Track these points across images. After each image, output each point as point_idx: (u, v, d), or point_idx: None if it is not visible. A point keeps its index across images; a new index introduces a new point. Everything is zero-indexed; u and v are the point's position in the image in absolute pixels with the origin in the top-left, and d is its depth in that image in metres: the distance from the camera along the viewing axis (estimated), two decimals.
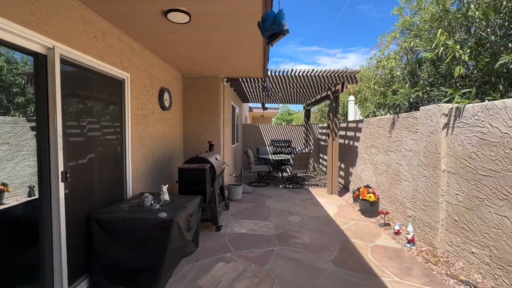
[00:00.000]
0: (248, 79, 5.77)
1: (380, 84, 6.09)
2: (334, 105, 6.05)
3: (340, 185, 7.28)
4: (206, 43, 3.35)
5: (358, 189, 5.04)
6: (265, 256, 3.08)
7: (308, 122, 9.75)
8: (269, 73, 5.65)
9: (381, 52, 6.20)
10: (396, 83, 5.55)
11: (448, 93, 3.19)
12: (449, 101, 3.33)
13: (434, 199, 3.36)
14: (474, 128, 2.82)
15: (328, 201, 5.58)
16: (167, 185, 3.00)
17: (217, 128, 5.21)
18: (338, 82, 5.64)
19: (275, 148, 9.40)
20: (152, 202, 2.71)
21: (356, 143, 6.21)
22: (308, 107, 9.58)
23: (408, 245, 3.48)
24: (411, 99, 4.48)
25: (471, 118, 2.86)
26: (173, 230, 2.33)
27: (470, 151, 2.86)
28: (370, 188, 4.91)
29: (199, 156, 3.81)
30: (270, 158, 7.22)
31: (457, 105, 3.04)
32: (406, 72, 5.40)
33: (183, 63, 4.44)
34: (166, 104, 4.24)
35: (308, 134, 9.76)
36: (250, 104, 16.50)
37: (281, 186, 7.03)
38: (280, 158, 7.19)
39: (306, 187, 7.02)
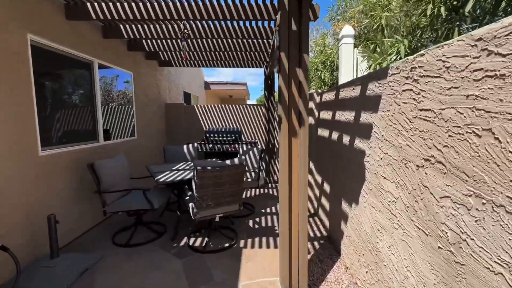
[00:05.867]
0: None
1: None
2: (297, 29, 1.93)
3: (318, 232, 3.31)
4: None
5: None
6: None
7: (271, 98, 5.64)
8: None
9: None
10: None
11: None
12: None
13: None
14: None
15: None
16: None
17: None
18: None
19: (211, 146, 5.32)
20: None
21: (359, 141, 2.20)
22: (269, 71, 5.42)
23: None
24: None
25: None
26: None
27: None
28: None
29: None
30: (158, 177, 3.11)
31: None
32: None
33: None
34: None
35: (271, 119, 5.68)
36: (206, 78, 12.20)
37: (181, 243, 3.02)
38: (177, 178, 3.08)
39: (242, 242, 3.04)
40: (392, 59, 2.55)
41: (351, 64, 3.26)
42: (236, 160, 2.73)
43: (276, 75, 5.66)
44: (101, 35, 3.66)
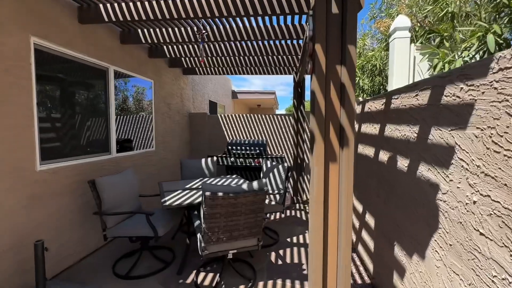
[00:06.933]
0: None
1: None
2: (339, 12, 1.38)
3: (357, 276, 2.58)
4: None
5: None
6: None
7: (301, 108, 5.06)
8: None
9: None
10: None
11: None
12: None
13: None
14: None
15: None
16: None
17: None
18: None
19: (233, 159, 4.88)
20: None
21: (426, 169, 1.52)
22: (299, 77, 4.85)
23: None
24: None
25: None
26: None
27: None
28: None
29: None
30: (165, 199, 2.69)
31: None
32: None
33: None
34: None
35: (301, 131, 5.07)
36: (235, 88, 11.99)
37: (188, 279, 2.53)
38: (185, 202, 2.63)
39: (261, 285, 2.45)
40: (470, 55, 1.87)
41: (406, 63, 2.51)
42: (255, 184, 2.20)
43: (307, 80, 5.08)
44: (118, 40, 3.46)
